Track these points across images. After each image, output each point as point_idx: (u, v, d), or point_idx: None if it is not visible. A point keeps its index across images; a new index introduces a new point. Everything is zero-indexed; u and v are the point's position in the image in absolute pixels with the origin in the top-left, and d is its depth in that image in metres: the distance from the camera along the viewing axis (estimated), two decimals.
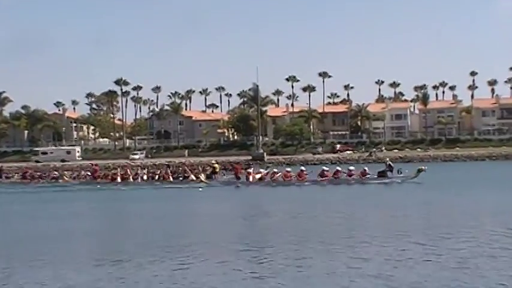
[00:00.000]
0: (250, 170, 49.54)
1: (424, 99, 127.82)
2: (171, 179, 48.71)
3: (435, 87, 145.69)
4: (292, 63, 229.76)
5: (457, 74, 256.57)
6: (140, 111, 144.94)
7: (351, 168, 48.02)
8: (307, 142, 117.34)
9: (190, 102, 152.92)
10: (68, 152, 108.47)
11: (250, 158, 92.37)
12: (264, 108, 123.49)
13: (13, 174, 58.58)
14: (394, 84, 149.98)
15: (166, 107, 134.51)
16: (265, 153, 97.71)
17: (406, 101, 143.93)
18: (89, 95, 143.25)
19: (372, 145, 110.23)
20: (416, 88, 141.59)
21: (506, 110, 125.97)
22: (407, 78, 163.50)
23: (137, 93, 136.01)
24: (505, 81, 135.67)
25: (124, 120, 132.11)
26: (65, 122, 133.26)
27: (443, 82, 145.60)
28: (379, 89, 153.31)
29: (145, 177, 50.27)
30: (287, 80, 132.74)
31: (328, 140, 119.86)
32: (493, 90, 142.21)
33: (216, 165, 52.16)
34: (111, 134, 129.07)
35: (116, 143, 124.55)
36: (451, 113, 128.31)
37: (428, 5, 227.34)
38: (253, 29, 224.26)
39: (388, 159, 51.64)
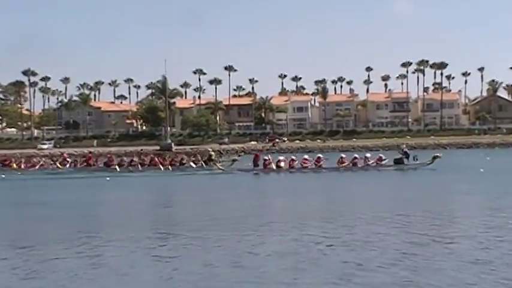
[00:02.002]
0: (267, 158, 48.54)
1: (324, 93, 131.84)
2: (170, 167, 49.85)
3: (334, 82, 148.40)
4: (199, 57, 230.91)
5: (354, 70, 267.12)
6: (49, 101, 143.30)
7: (368, 155, 47.70)
8: (214, 133, 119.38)
9: (99, 93, 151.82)
10: None
11: (158, 148, 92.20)
12: (172, 100, 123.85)
13: None
14: (296, 78, 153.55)
15: (75, 98, 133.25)
16: (173, 144, 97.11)
17: (307, 94, 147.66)
18: None
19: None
20: (316, 82, 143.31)
21: (397, 104, 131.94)
22: (308, 73, 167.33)
23: (45, 84, 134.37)
24: (397, 77, 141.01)
25: (32, 111, 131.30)
26: None
27: (341, 77, 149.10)
28: (282, 83, 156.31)
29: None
30: (194, 73, 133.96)
31: (234, 131, 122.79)
32: (386, 85, 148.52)
33: (212, 153, 54.30)
34: (19, 123, 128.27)
35: (24, 132, 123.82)
36: (348, 106, 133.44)
37: (327, 3, 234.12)
38: (162, 23, 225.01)
39: (404, 145, 52.40)
